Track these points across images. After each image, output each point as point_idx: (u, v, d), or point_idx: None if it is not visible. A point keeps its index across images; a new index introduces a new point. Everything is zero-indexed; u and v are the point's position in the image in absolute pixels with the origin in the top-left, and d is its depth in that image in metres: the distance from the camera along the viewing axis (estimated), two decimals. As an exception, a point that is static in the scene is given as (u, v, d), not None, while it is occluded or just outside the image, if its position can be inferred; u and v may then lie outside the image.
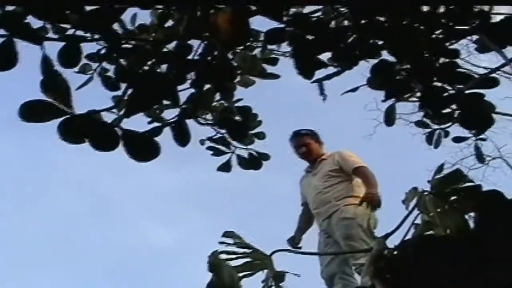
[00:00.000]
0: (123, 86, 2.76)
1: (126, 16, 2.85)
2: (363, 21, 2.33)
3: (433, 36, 2.28)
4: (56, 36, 2.49)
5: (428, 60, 2.28)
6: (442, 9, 2.31)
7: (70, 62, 2.35)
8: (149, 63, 2.74)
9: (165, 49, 2.76)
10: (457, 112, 2.49)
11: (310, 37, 2.43)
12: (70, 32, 2.52)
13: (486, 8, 2.23)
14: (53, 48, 2.39)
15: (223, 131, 2.99)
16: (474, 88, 2.30)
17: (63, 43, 2.35)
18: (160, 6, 2.66)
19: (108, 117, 2.30)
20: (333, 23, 2.45)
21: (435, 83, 2.38)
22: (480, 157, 3.03)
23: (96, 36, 2.49)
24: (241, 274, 1.71)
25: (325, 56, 2.55)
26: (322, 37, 2.39)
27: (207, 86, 2.71)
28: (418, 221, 2.18)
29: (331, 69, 2.52)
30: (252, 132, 2.89)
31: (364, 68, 2.70)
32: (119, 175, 12.82)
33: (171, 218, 13.23)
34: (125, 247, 12.49)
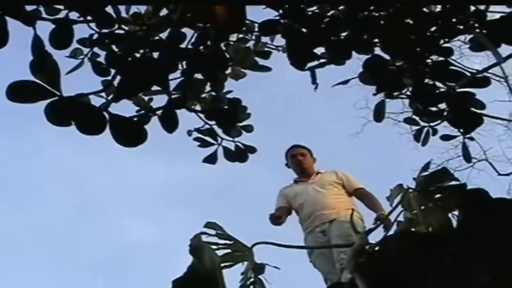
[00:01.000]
0: (113, 71, 2.72)
1: (121, 7, 2.81)
2: (358, 16, 2.31)
3: (428, 33, 2.26)
4: (48, 17, 2.44)
5: (421, 57, 2.26)
6: (438, 8, 2.29)
7: (61, 44, 2.31)
8: (141, 50, 2.70)
9: (157, 37, 2.73)
10: (446, 110, 2.48)
11: (305, 30, 2.40)
12: (63, 14, 2.48)
13: (481, 7, 2.21)
14: (45, 30, 2.36)
15: (211, 122, 2.96)
16: (466, 87, 2.28)
17: (54, 25, 2.31)
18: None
19: (97, 101, 2.27)
20: (327, 17, 2.42)
21: (426, 80, 2.37)
22: (467, 156, 3.01)
23: (89, 18, 2.45)
24: (221, 265, 1.68)
25: (318, 50, 2.53)
26: (317, 30, 2.37)
27: (198, 75, 2.68)
28: (401, 218, 2.18)
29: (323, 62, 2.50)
30: (240, 124, 2.86)
31: (355, 65, 2.69)
32: (107, 170, 12.74)
33: (156, 213, 13.10)
34: (110, 242, 12.38)
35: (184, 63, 2.60)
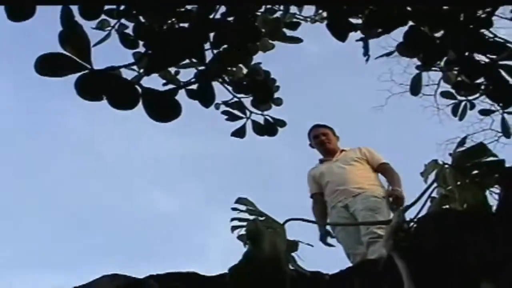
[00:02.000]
0: (142, 43, 2.65)
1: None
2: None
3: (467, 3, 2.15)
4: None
5: (462, 28, 2.15)
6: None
7: (91, 14, 2.24)
8: (169, 21, 2.63)
9: (185, 8, 2.65)
10: (485, 84, 2.38)
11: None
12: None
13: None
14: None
15: (240, 95, 2.88)
16: (507, 60, 2.18)
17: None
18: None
19: (128, 75, 2.21)
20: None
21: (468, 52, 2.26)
22: (506, 131, 2.89)
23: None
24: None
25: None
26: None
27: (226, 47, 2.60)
28: (434, 194, 2.11)
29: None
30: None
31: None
32: (127, 140, 12.67)
33: (175, 184, 13.08)
34: (127, 211, 12.43)
35: (211, 35, 2.52)
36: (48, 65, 1.82)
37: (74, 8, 2.15)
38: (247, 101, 2.95)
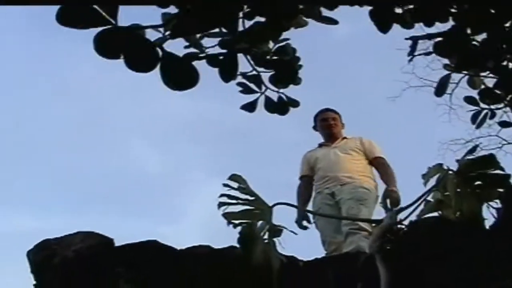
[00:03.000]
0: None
1: None
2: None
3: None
4: None
5: (504, 34, 2.04)
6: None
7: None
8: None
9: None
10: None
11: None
12: None
13: None
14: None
15: (260, 69, 2.78)
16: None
17: None
18: None
19: (152, 37, 2.11)
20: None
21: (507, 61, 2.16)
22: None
23: None
24: (237, 222, 1.59)
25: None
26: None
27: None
28: (430, 198, 2.04)
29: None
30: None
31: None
32: (128, 95, 12.45)
33: (169, 146, 12.89)
34: (115, 166, 12.30)
35: (245, 6, 2.41)
36: (71, 16, 1.73)
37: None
38: (265, 76, 2.86)
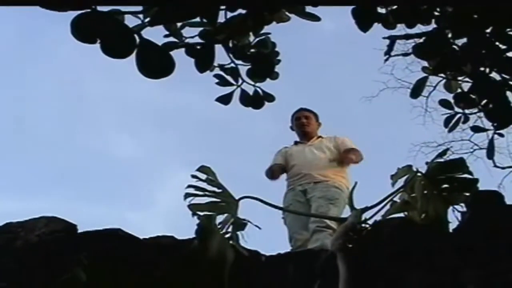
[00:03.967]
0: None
1: None
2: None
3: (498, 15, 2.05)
4: None
5: (485, 40, 2.05)
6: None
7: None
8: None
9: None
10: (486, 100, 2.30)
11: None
12: None
13: None
14: None
15: (238, 62, 2.77)
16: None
17: None
18: None
19: (132, 23, 2.08)
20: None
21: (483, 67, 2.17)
22: (491, 152, 2.78)
23: None
24: (202, 213, 1.58)
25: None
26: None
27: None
28: (396, 199, 2.04)
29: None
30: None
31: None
32: (106, 79, 12.31)
33: (143, 133, 12.85)
34: (88, 150, 12.19)
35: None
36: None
37: None
38: (242, 69, 2.85)
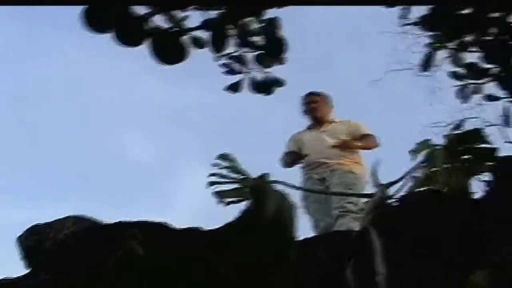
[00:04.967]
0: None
1: None
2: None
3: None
4: None
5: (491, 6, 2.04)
6: None
7: None
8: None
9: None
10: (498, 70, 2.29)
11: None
12: None
13: None
14: None
15: (245, 49, 2.74)
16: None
17: None
18: None
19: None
20: None
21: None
22: (507, 120, 2.78)
23: None
24: (227, 200, 1.57)
25: None
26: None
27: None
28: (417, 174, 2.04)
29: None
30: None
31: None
32: (116, 84, 12.29)
33: (156, 132, 12.82)
34: (104, 154, 12.17)
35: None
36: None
37: None
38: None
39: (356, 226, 3.63)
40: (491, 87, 2.81)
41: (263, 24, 2.58)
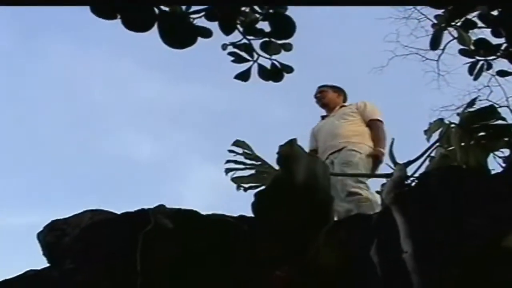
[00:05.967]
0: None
1: None
2: None
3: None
4: None
5: None
6: None
7: None
8: None
9: None
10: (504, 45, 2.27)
11: None
12: None
13: None
14: None
15: (250, 37, 2.70)
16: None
17: None
18: None
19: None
20: None
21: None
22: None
23: None
24: (246, 185, 1.56)
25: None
26: None
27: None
28: (433, 154, 2.02)
29: None
30: (279, 42, 2.61)
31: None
32: (115, 85, 12.33)
33: (161, 131, 12.84)
34: (107, 155, 12.22)
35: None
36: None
37: None
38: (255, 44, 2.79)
39: (366, 209, 3.63)
40: (502, 63, 2.79)
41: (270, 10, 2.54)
